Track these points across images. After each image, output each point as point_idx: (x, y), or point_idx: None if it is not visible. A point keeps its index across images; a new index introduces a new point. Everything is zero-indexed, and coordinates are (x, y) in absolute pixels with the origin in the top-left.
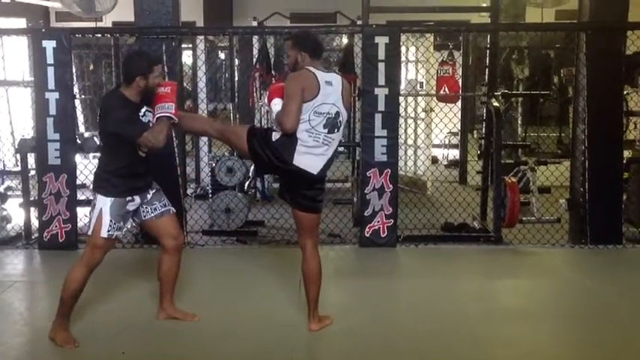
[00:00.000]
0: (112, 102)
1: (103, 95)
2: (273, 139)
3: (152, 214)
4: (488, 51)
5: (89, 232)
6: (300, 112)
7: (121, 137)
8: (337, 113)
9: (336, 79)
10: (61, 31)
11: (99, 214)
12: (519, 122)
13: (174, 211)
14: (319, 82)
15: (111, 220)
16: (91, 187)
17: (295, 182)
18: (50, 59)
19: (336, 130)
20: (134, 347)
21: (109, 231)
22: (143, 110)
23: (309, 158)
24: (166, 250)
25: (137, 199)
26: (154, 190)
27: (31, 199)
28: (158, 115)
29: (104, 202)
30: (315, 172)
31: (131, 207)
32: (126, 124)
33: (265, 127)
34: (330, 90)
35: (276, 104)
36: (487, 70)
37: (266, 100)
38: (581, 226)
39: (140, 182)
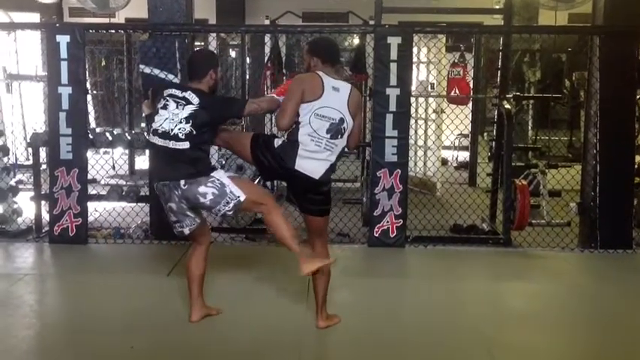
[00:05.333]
0: (205, 95)
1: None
2: (275, 145)
3: None
4: (500, 53)
5: (242, 198)
6: (296, 112)
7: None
8: (341, 120)
9: (344, 86)
10: (75, 26)
11: (230, 183)
12: (530, 125)
13: None
14: (324, 86)
15: (240, 175)
16: (195, 178)
17: (301, 187)
18: (64, 54)
19: (339, 137)
20: (142, 341)
21: (253, 178)
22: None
23: (311, 163)
24: (201, 245)
25: None
26: None
27: (42, 192)
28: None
29: (220, 175)
30: (317, 177)
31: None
32: (228, 104)
33: (270, 133)
34: (336, 96)
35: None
36: (499, 72)
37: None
38: (592, 230)
39: None
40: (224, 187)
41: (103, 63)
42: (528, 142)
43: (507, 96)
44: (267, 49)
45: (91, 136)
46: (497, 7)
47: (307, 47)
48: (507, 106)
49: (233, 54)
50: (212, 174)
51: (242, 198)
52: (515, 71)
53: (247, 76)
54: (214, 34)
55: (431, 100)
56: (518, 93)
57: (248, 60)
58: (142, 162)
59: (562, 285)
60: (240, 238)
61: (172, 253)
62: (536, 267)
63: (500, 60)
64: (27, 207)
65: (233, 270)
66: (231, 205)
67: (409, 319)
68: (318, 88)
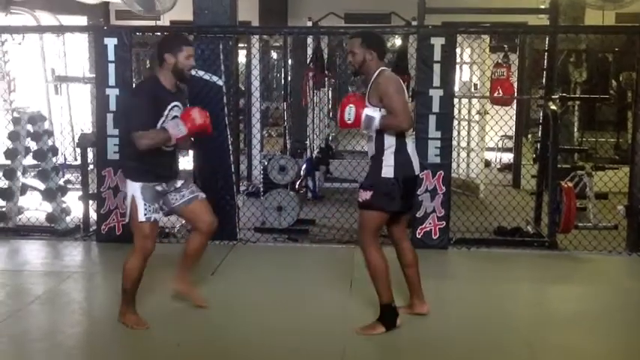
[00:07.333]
0: (140, 84)
1: None
2: (392, 176)
3: (181, 201)
4: (546, 53)
5: (126, 220)
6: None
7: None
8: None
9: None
10: (122, 29)
11: (132, 200)
12: (576, 126)
13: (204, 197)
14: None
15: (145, 204)
16: (120, 175)
17: (416, 188)
18: (111, 56)
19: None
20: (188, 339)
21: (145, 214)
22: (172, 104)
23: (416, 159)
24: (199, 231)
25: (164, 185)
26: (182, 180)
27: (90, 192)
28: (166, 125)
29: (134, 188)
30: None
31: (159, 188)
32: (134, 111)
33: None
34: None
35: (374, 112)
36: (544, 72)
37: (351, 117)
38: None
39: (165, 171)
40: (125, 200)
41: (148, 65)
42: (574, 143)
43: (553, 97)
44: (309, 51)
45: None
46: (543, 6)
47: (361, 39)
48: (553, 107)
49: (274, 55)
50: (127, 182)
51: (127, 220)
52: (561, 72)
53: (289, 78)
54: (257, 36)
55: (474, 101)
56: (563, 94)
57: (290, 61)
58: (186, 162)
59: (609, 288)
60: (283, 238)
61: (216, 252)
62: (583, 270)
63: (545, 60)
64: (75, 206)
65: (275, 271)
66: (126, 218)
67: (452, 321)
68: (403, 88)
